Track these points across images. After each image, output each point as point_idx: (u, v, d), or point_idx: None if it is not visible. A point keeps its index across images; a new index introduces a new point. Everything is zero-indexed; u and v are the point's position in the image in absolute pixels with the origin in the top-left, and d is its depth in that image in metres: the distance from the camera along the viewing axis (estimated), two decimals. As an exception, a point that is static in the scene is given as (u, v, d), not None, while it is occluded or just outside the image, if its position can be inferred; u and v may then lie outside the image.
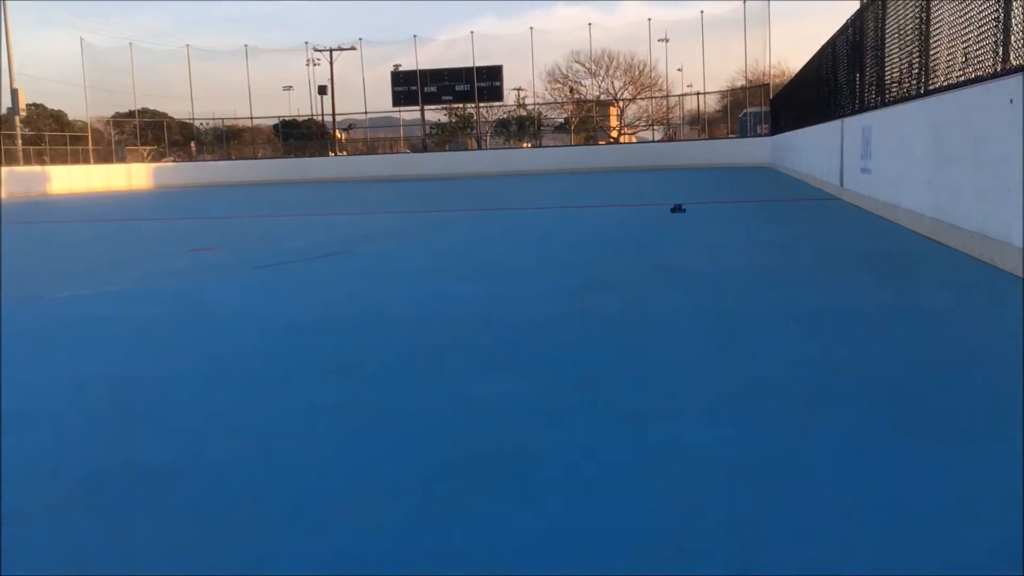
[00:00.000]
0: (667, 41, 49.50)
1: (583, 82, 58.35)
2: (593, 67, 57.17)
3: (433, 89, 50.04)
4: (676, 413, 3.28)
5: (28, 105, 47.00)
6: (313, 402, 3.64)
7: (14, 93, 43.23)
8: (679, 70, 53.68)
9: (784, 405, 3.33)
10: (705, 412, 3.28)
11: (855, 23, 14.08)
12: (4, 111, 46.05)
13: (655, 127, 56.32)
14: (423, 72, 50.25)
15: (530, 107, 54.88)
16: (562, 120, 56.69)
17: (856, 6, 14.16)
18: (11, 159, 42.19)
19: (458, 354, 4.45)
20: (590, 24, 49.82)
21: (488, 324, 5.24)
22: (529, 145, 52.32)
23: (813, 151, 19.69)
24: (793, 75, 30.74)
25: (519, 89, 55.74)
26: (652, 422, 3.19)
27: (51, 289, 7.57)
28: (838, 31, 16.11)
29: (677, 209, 13.49)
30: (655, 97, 55.50)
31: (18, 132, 44.28)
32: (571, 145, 49.47)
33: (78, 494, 2.71)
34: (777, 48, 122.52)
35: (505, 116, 55.75)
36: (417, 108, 51.79)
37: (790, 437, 2.96)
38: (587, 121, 55.24)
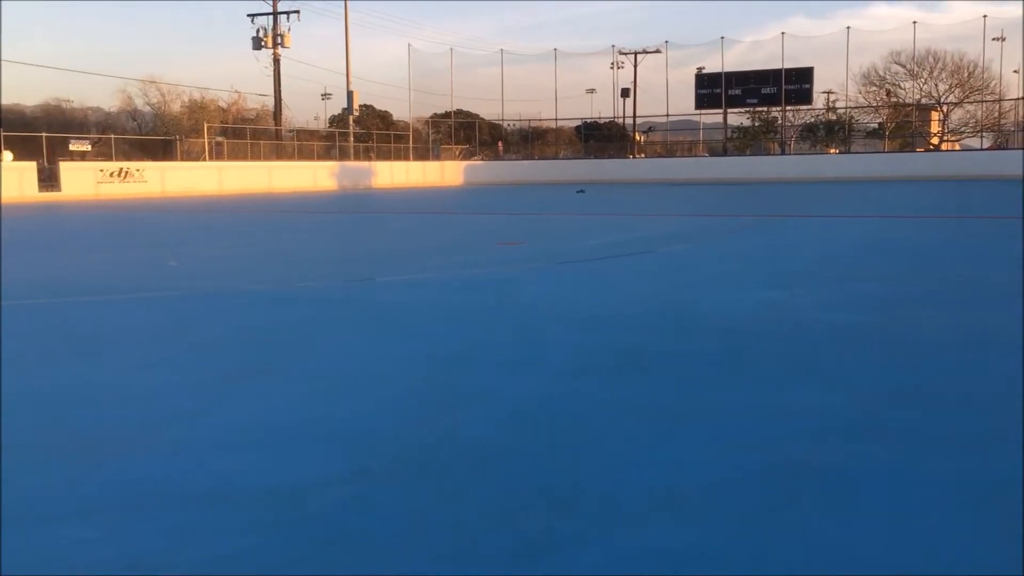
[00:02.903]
0: (1003, 40, 45.02)
1: (902, 84, 54.49)
2: (915, 68, 53.17)
3: (737, 92, 49.02)
4: (1010, 441, 2.99)
5: (360, 106, 51.72)
6: (619, 397, 3.71)
7: (350, 95, 47.80)
8: (1015, 71, 48.63)
9: None
10: (1052, 447, 2.96)
11: None
12: (341, 111, 51.08)
13: (983, 134, 51.40)
14: (728, 74, 49.37)
15: (840, 111, 52.18)
16: (875, 125, 53.33)
17: None
18: (344, 155, 46.68)
19: (763, 361, 4.34)
20: (915, 23, 46.44)
21: (792, 332, 5.06)
22: (837, 151, 49.78)
23: None
24: None
25: (829, 92, 53.19)
26: (982, 450, 2.92)
27: (379, 272, 8.31)
28: None
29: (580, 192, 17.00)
30: (986, 101, 50.66)
31: (351, 130, 48.89)
32: (884, 152, 46.41)
33: (413, 460, 2.95)
34: None
35: (812, 120, 53.41)
36: (719, 111, 50.99)
37: None
38: (904, 126, 51.55)
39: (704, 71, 51.16)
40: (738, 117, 54.61)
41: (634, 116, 58.75)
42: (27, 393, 3.86)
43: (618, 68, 58.28)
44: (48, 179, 30.23)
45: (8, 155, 30.40)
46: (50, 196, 29.31)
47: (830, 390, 3.75)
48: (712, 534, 2.32)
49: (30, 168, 29.64)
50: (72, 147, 34.75)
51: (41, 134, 34.57)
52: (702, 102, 50.41)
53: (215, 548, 2.28)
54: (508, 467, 2.87)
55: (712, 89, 49.65)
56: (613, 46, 55.91)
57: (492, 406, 3.59)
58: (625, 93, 58.50)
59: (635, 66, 58.61)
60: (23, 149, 32.45)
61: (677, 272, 8.21)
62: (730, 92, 49.14)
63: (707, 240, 11.87)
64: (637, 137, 58.75)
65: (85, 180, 30.80)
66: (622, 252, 9.91)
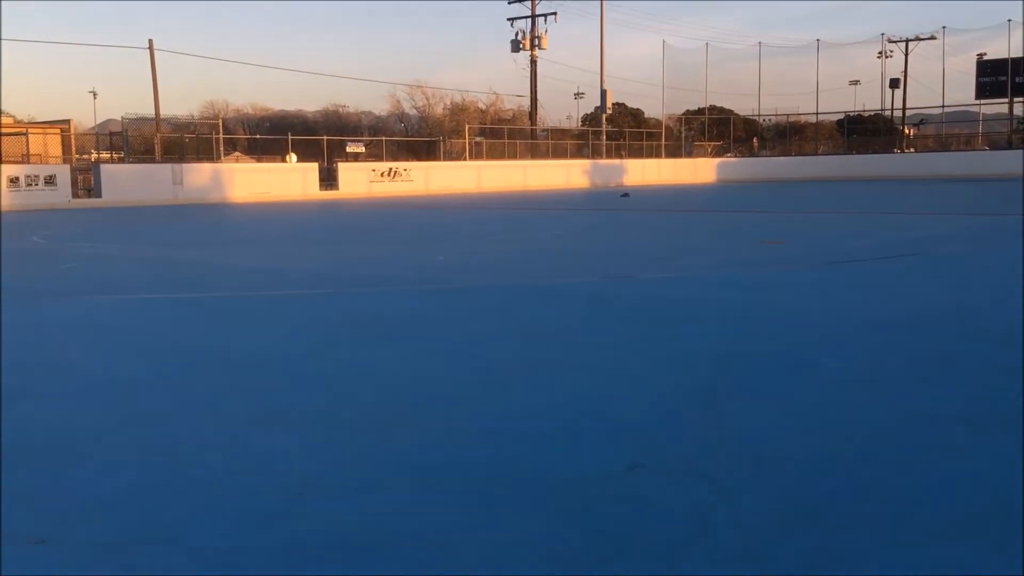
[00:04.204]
0: None
1: None
2: None
3: (1026, 78, 44.57)
4: None
5: (612, 104, 51.98)
6: (902, 405, 3.49)
7: (603, 94, 48.21)
8: None
9: None
10: None
11: None
12: (593, 110, 51.67)
13: None
14: (1015, 60, 44.99)
15: None
16: None
17: None
18: (596, 153, 47.16)
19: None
20: None
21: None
22: None
23: None
24: None
25: None
26: None
27: (639, 270, 8.32)
28: None
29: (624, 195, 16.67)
30: None
31: (603, 129, 49.28)
32: None
33: (687, 458, 2.93)
34: None
35: (1118, 108, 47.52)
36: (1004, 100, 46.58)
37: None
38: None
39: (986, 57, 46.95)
40: (1025, 107, 49.64)
41: (903, 108, 54.93)
42: (318, 374, 4.22)
43: (886, 57, 54.82)
44: (327, 179, 32.82)
45: (293, 157, 33.35)
46: (329, 194, 31.82)
47: None
48: (1007, 562, 2.13)
49: (312, 169, 32.35)
50: (348, 149, 37.57)
51: (322, 137, 37.64)
52: (984, 91, 46.30)
53: (499, 533, 2.37)
54: (789, 472, 2.78)
55: (996, 76, 45.47)
56: (882, 34, 52.70)
57: (768, 409, 3.49)
58: (894, 83, 54.86)
59: (906, 54, 54.83)
60: (306, 152, 35.48)
61: (958, 275, 7.60)
62: (1017, 79, 44.75)
63: (991, 242, 10.88)
64: (906, 130, 54.85)
65: (359, 179, 33.17)
66: (895, 253, 9.31)
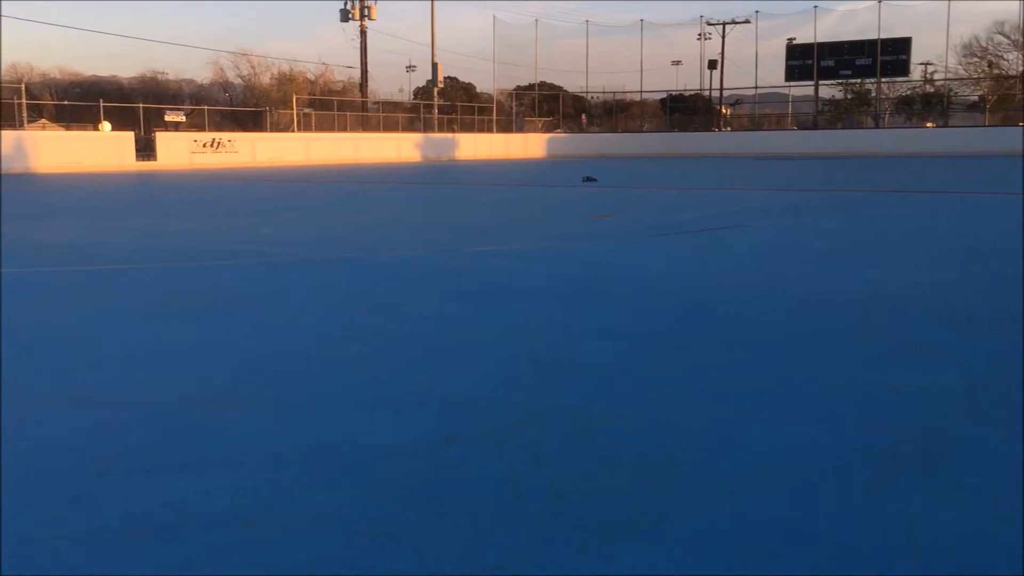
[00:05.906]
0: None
1: (1005, 56, 52.10)
2: (1020, 39, 50.79)
3: (830, 63, 47.63)
4: None
5: (445, 78, 51.89)
6: (712, 371, 3.65)
7: (434, 67, 47.98)
8: None
9: None
10: None
11: None
12: (425, 83, 51.40)
13: (1093, 108, 48.86)
14: (821, 45, 47.99)
15: (939, 83, 50.24)
16: (976, 98, 51.20)
17: None
18: (428, 127, 46.99)
19: (872, 341, 4.21)
20: (1021, -10, 44.29)
21: (906, 313, 4.90)
22: (933, 125, 48.04)
23: None
24: None
25: (926, 63, 51.26)
26: (1109, 436, 2.78)
27: (467, 243, 8.35)
28: None
29: (589, 179, 17.16)
30: (1096, 73, 48.11)
31: (435, 103, 49.11)
32: (985, 126, 44.60)
33: (505, 427, 2.95)
34: None
35: (908, 92, 51.59)
36: (811, 83, 49.64)
37: None
38: (1007, 100, 49.35)
39: (795, 42, 49.83)
40: (829, 90, 53.09)
41: (721, 89, 57.63)
42: (132, 352, 3.99)
43: (705, 39, 57.30)
44: (144, 149, 31.18)
45: (106, 125, 31.45)
46: (146, 165, 30.25)
47: (935, 370, 3.62)
48: (806, 510, 2.26)
49: (128, 138, 30.61)
50: (167, 118, 35.78)
51: (138, 105, 35.66)
52: (792, 74, 49.14)
53: (312, 505, 2.31)
54: (601, 438, 2.85)
55: (804, 60, 48.35)
56: (701, 17, 55.06)
57: (585, 378, 3.56)
58: (712, 65, 57.47)
59: (723, 37, 57.45)
60: (121, 119, 33.54)
61: (771, 247, 8.03)
62: (822, 63, 47.78)
63: (800, 215, 11.59)
64: (723, 110, 57.63)
65: (179, 150, 31.69)
66: (715, 226, 9.75)
